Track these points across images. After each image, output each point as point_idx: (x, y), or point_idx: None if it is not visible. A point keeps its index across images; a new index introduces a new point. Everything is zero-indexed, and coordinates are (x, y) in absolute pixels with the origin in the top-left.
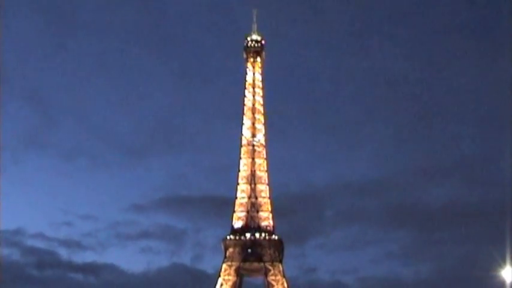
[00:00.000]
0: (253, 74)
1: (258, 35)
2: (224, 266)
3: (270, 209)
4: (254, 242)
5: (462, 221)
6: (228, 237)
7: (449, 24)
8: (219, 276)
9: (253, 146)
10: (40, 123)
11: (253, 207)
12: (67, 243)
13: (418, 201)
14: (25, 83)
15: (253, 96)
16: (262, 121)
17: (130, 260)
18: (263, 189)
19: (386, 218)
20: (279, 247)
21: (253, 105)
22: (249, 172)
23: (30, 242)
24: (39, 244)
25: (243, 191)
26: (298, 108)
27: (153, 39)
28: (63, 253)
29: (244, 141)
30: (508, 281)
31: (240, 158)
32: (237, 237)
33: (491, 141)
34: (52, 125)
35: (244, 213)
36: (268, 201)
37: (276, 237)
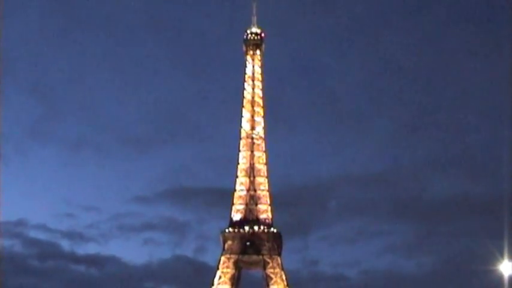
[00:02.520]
0: (253, 66)
1: (258, 27)
2: (223, 258)
3: (268, 201)
4: (253, 235)
5: (466, 214)
6: (226, 230)
7: (456, 16)
8: (218, 268)
9: (252, 138)
10: (44, 114)
11: (252, 200)
12: (69, 235)
13: (422, 194)
14: (29, 73)
15: (253, 89)
16: (262, 114)
17: (133, 251)
18: (262, 182)
19: (390, 211)
20: (277, 240)
21: (253, 98)
22: (248, 165)
23: (32, 234)
24: (41, 235)
25: (241, 183)
26: (303, 100)
27: (157, 32)
28: (66, 245)
29: (243, 134)
30: (506, 275)
31: (239, 151)
32: (236, 230)
33: (497, 135)
34: (56, 116)
35: (243, 206)
36: (267, 194)
37: (275, 230)
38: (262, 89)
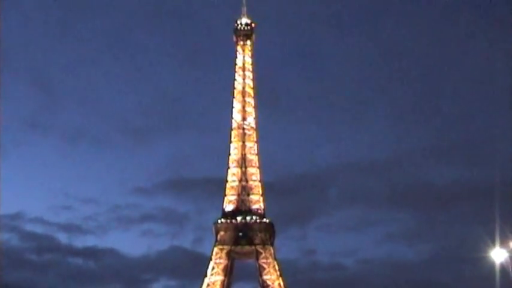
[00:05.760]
0: (243, 57)
1: (248, 17)
2: (215, 249)
3: (261, 192)
4: (245, 226)
5: (465, 202)
6: (219, 221)
7: (458, 2)
8: (211, 259)
9: (244, 129)
10: (42, 105)
11: (244, 190)
12: (67, 228)
13: (422, 182)
14: (28, 64)
15: (243, 79)
16: (253, 104)
17: (131, 243)
18: (254, 172)
19: (389, 199)
20: (270, 230)
21: (243, 88)
22: (239, 155)
23: (30, 227)
24: (39, 229)
25: (233, 174)
26: (301, 89)
27: (156, 22)
28: (63, 237)
29: (234, 125)
30: (497, 262)
31: (230, 142)
32: (228, 221)
33: (497, 122)
34: (54, 107)
35: (235, 197)
36: (259, 184)
37: (267, 221)
38: (253, 80)
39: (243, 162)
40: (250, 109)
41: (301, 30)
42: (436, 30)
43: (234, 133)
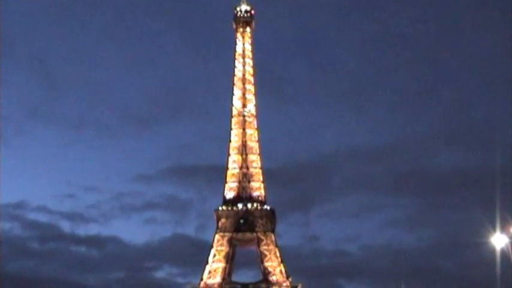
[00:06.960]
0: (243, 44)
1: (248, 4)
2: (217, 236)
3: (261, 179)
4: (246, 213)
5: (466, 188)
6: (220, 208)
7: None
8: (212, 246)
9: (244, 116)
10: (44, 94)
11: (245, 177)
12: (70, 216)
13: (423, 168)
14: (30, 51)
15: (244, 66)
16: (253, 91)
17: (134, 231)
18: (254, 159)
19: (392, 185)
20: (271, 217)
21: (244, 75)
22: (240, 143)
23: (33, 216)
24: (42, 217)
25: (234, 161)
26: (303, 75)
27: (158, 9)
28: (66, 226)
29: (234, 112)
30: (497, 248)
31: (231, 129)
32: (229, 208)
33: (498, 108)
34: (56, 95)
35: (236, 184)
36: (260, 171)
37: (268, 207)
38: (253, 67)
39: (244, 149)
40: (250, 96)
41: (302, 16)
42: (437, 16)
43: (234, 120)
